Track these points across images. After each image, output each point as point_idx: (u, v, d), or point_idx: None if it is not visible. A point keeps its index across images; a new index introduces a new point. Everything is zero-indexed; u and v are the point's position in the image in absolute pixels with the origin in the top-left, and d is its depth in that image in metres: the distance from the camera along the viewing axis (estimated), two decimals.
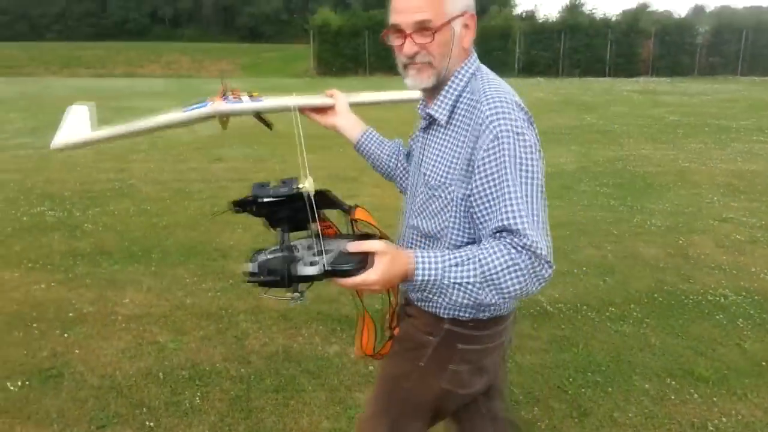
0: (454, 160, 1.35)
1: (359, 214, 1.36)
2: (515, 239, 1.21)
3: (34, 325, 3.63)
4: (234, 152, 9.03)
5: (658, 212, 5.89)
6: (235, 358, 3.28)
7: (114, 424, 2.74)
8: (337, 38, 26.97)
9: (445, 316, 1.45)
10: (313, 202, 1.23)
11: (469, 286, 1.22)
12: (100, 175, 7.50)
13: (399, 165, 1.78)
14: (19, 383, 3.04)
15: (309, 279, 1.20)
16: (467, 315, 1.44)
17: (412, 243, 1.50)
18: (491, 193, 1.26)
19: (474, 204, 1.30)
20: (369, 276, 1.19)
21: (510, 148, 1.25)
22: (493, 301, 1.25)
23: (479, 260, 1.21)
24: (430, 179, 1.41)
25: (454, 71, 1.40)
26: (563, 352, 3.35)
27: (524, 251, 1.21)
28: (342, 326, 3.58)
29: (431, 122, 1.46)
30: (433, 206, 1.41)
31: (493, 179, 1.25)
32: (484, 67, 1.44)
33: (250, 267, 1.23)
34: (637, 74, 26.57)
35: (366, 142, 1.80)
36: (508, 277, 1.21)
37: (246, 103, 1.80)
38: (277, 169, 7.86)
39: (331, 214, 1.38)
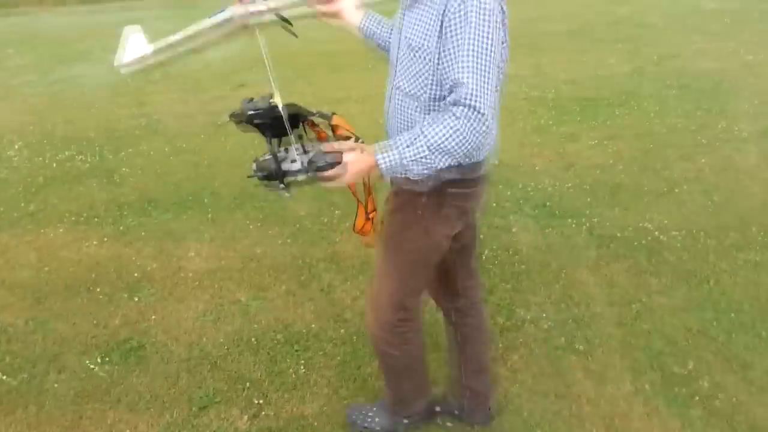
0: (431, 24, 1.50)
1: (336, 120, 1.65)
2: (458, 95, 1.40)
3: (98, 289, 3.30)
4: (256, 76, 8.38)
5: (741, 115, 5.36)
6: (328, 316, 2.95)
7: (217, 404, 2.45)
8: None
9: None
10: (285, 113, 1.46)
11: (424, 159, 1.42)
12: (122, 111, 6.97)
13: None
14: (99, 360, 2.74)
15: (294, 174, 1.48)
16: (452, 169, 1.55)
17: (397, 102, 1.67)
18: (451, 51, 1.44)
19: (441, 61, 1.48)
20: (338, 170, 1.45)
21: (471, 12, 1.41)
22: (446, 164, 1.44)
23: (425, 135, 1.41)
24: (411, 41, 1.57)
25: None
26: (693, 290, 2.98)
27: (465, 110, 1.39)
28: None
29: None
30: (414, 67, 1.59)
31: (455, 39, 1.43)
32: None
33: (253, 168, 1.51)
34: None
35: (368, 23, 1.93)
36: (451, 141, 1.40)
37: (260, 4, 1.71)
38: (306, 92, 7.29)
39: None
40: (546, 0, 14.23)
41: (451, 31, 1.45)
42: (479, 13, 1.42)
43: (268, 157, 1.52)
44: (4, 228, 4.13)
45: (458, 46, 1.43)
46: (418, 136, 1.43)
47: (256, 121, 1.53)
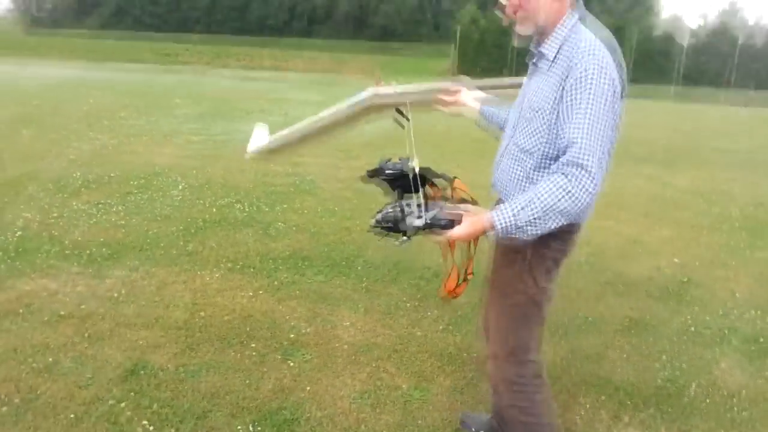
0: (553, 89, 1.68)
1: (457, 183, 1.91)
2: (570, 156, 1.55)
3: (252, 344, 3.09)
4: (404, 151, 8.39)
5: None
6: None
7: None
8: (484, 36, 26.00)
9: None
10: (418, 177, 1.69)
11: (538, 221, 1.56)
12: (276, 168, 7.13)
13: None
14: (250, 427, 2.46)
15: (414, 229, 1.65)
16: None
17: (512, 156, 1.84)
18: (568, 113, 1.60)
19: (558, 121, 1.65)
20: (456, 230, 1.62)
21: (592, 78, 1.57)
22: (559, 224, 1.57)
23: (539, 198, 1.55)
24: (533, 103, 1.75)
25: (557, 23, 1.74)
26: None
27: (576, 170, 1.53)
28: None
29: (540, 58, 1.78)
30: (532, 126, 1.75)
31: (573, 102, 1.59)
32: (582, 24, 1.74)
33: (373, 220, 1.72)
34: None
35: (487, 108, 2.15)
36: (564, 203, 1.54)
37: (397, 88, 1.95)
38: (457, 172, 7.09)
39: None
40: (709, 116, 13.54)
41: (570, 94, 1.61)
42: (599, 80, 1.58)
43: (391, 210, 1.71)
44: (162, 263, 4.13)
45: (575, 108, 1.59)
46: (533, 198, 1.57)
47: (389, 178, 1.77)
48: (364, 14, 71.99)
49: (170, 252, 4.35)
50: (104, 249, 4.33)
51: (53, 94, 14.07)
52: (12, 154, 7.27)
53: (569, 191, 1.53)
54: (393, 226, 1.70)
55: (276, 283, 3.88)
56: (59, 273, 3.92)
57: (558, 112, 1.65)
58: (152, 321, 3.32)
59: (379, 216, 1.73)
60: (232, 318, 3.39)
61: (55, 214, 5.05)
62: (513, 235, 1.59)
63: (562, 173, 1.56)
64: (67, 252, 4.26)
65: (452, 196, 1.85)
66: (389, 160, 1.79)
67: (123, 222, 4.93)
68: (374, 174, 1.81)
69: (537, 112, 1.73)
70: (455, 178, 1.90)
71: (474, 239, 1.78)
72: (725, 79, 24.75)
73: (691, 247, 4.71)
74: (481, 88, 2.25)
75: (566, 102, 1.62)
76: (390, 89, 1.99)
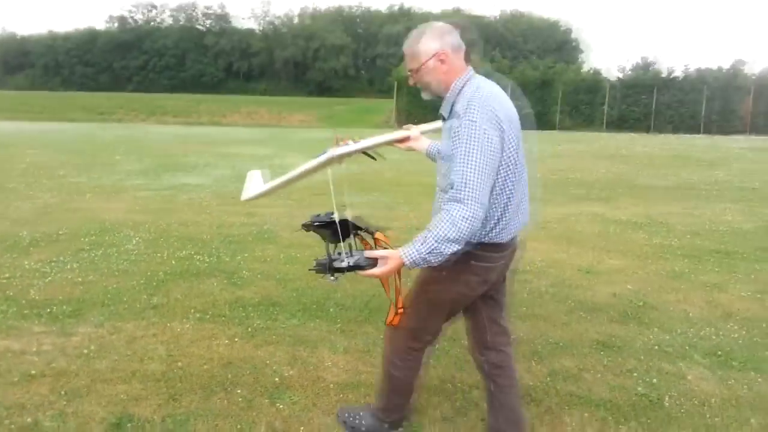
0: (449, 136, 2.07)
1: (378, 235, 2.22)
2: (451, 194, 1.98)
3: (237, 390, 3.06)
4: (357, 199, 8.54)
5: None
6: None
7: None
8: (419, 90, 26.89)
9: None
10: (338, 226, 2.13)
11: (436, 250, 1.94)
12: (232, 218, 7.12)
13: None
14: None
15: (342, 270, 2.07)
16: (472, 246, 2.13)
17: (437, 196, 2.29)
18: (453, 160, 2.00)
19: (446, 162, 2.10)
20: (375, 270, 2.03)
21: (466, 132, 1.98)
22: (455, 249, 1.96)
23: (431, 231, 1.95)
24: (441, 149, 2.26)
25: (449, 86, 2.18)
26: None
27: (455, 204, 1.95)
28: None
29: (444, 118, 2.23)
30: (443, 169, 2.17)
31: (455, 151, 2.00)
32: (477, 79, 2.17)
33: (314, 262, 2.14)
34: (734, 131, 25.23)
35: (431, 149, 2.70)
36: (450, 232, 1.93)
37: (354, 145, 2.49)
38: (411, 216, 7.28)
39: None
40: (636, 157, 14.40)
41: (453, 144, 2.02)
42: (471, 133, 1.98)
43: (324, 258, 2.13)
44: (128, 318, 4.03)
45: (455, 156, 2.00)
46: (428, 233, 1.96)
47: (318, 230, 2.21)
48: (300, 71, 73.31)
49: (134, 306, 4.25)
50: (65, 307, 4.19)
51: None
52: None
53: (451, 221, 1.93)
54: (326, 268, 2.12)
55: (250, 329, 3.86)
56: (21, 333, 3.76)
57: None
58: (129, 375, 3.23)
59: (315, 261, 2.16)
60: (212, 366, 3.34)
61: (7, 275, 4.84)
62: (422, 265, 2.01)
63: (445, 209, 1.97)
64: (25, 311, 4.10)
65: (376, 245, 2.20)
66: (318, 214, 2.25)
67: (80, 279, 4.79)
68: (307, 227, 2.26)
69: (443, 158, 2.17)
70: (377, 230, 2.27)
71: (396, 275, 2.20)
72: (646, 125, 26.50)
73: (640, 275, 5.00)
74: (423, 132, 2.81)
75: (453, 149, 2.01)
76: (347, 148, 2.48)
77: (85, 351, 3.51)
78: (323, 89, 69.28)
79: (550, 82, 26.58)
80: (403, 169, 11.81)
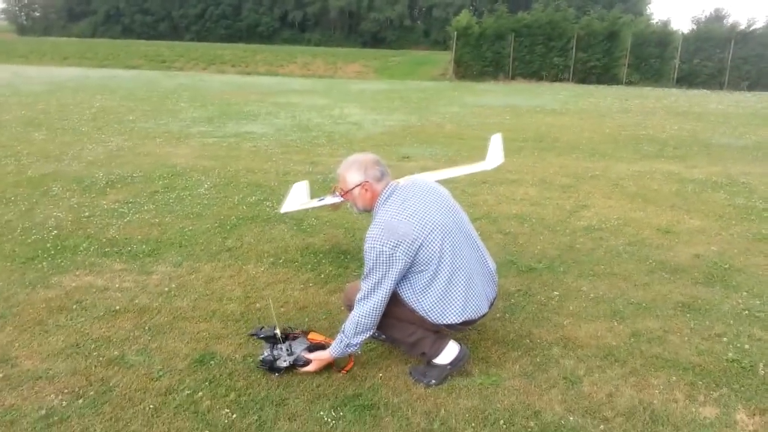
0: None
1: (311, 335, 2.85)
2: (357, 296, 2.60)
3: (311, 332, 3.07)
4: (417, 151, 8.42)
5: None
6: (582, 410, 2.51)
7: None
8: (479, 41, 26.09)
9: None
10: (280, 337, 2.76)
11: (351, 343, 2.60)
12: (296, 167, 7.14)
13: None
14: (332, 413, 2.46)
15: (282, 369, 2.69)
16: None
17: None
18: (364, 269, 2.58)
19: None
20: (309, 367, 2.67)
21: (369, 255, 2.53)
22: (363, 338, 2.61)
23: (344, 329, 2.61)
24: None
25: (373, 204, 2.71)
26: None
27: (357, 305, 2.58)
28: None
29: None
30: None
31: (365, 264, 2.56)
32: (395, 195, 2.65)
33: (259, 358, 2.76)
34: None
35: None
36: (355, 328, 2.58)
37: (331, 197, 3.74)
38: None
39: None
40: (711, 114, 13.70)
41: (365, 257, 2.55)
42: (369, 255, 2.52)
43: (268, 354, 2.72)
44: (204, 259, 4.12)
45: (364, 267, 2.56)
46: (341, 332, 2.61)
47: (262, 339, 2.78)
48: (355, 21, 72.17)
49: (210, 248, 4.33)
50: (144, 246, 4.31)
51: (56, 98, 13.99)
52: (29, 155, 7.23)
53: (353, 319, 2.56)
54: (269, 367, 2.68)
55: (322, 276, 3.88)
56: (103, 270, 3.89)
57: None
58: (209, 314, 3.31)
59: (260, 358, 2.72)
60: (288, 310, 3.39)
61: (87, 213, 5.01)
62: (347, 354, 2.67)
63: (355, 311, 2.58)
64: (106, 249, 4.24)
65: (308, 341, 2.78)
66: (262, 328, 2.84)
67: (156, 220, 4.91)
68: (252, 335, 2.84)
69: None
70: (310, 331, 2.90)
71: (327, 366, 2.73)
72: (719, 81, 24.97)
73: (723, 236, 4.75)
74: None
75: (364, 261, 2.55)
76: (339, 199, 3.24)
77: (166, 289, 3.61)
78: (377, 40, 68.05)
79: (617, 34, 25.19)
80: (463, 122, 11.58)
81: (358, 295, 2.56)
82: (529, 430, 2.38)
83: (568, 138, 9.80)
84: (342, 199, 3.35)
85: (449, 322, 2.61)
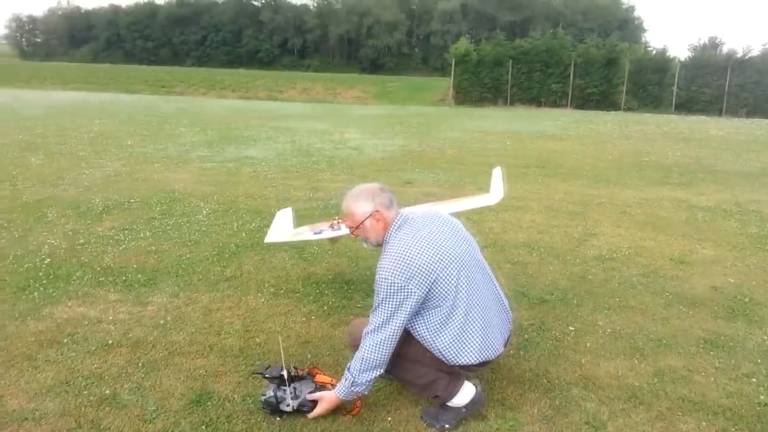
0: None
1: (317, 378, 2.61)
2: (366, 330, 2.40)
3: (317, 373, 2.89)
4: (420, 176, 8.30)
5: None
6: None
7: None
8: (478, 67, 26.24)
9: None
10: (287, 380, 2.53)
11: (357, 382, 2.39)
12: (297, 192, 7.00)
13: None
14: None
15: (287, 413, 2.50)
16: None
17: None
18: (374, 302, 2.40)
19: None
20: (317, 411, 2.48)
21: (381, 286, 2.36)
22: (371, 377, 2.39)
23: (350, 367, 2.41)
24: None
25: (384, 236, 2.54)
26: None
27: (365, 339, 2.39)
28: None
29: None
30: None
31: (374, 299, 2.39)
32: (407, 225, 2.51)
33: (261, 399, 2.54)
34: None
35: None
36: (361, 364, 2.37)
37: (343, 230, 3.51)
38: (473, 189, 6.98)
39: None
40: (712, 140, 13.67)
41: (375, 290, 2.39)
42: (380, 287, 2.36)
43: (270, 396, 2.51)
44: (202, 289, 3.95)
45: (375, 299, 2.39)
46: (347, 369, 2.42)
47: (267, 378, 2.56)
48: (353, 48, 72.94)
49: (208, 277, 4.17)
50: (139, 275, 4.14)
51: (55, 122, 13.92)
52: (24, 180, 7.09)
53: (366, 354, 2.36)
54: (274, 410, 2.50)
55: (325, 308, 3.71)
56: (96, 300, 3.72)
57: None
58: (206, 348, 3.13)
59: (262, 398, 2.53)
60: (290, 345, 3.21)
61: (82, 240, 4.85)
62: (355, 395, 2.45)
63: (361, 348, 2.39)
64: (100, 278, 4.07)
65: (315, 383, 2.57)
66: (268, 367, 2.61)
67: (153, 248, 4.75)
68: (257, 373, 2.64)
69: None
70: (314, 369, 2.67)
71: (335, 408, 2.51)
72: (717, 107, 25.07)
73: (739, 267, 4.60)
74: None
75: (375, 294, 2.39)
76: (340, 232, 3.64)
77: (162, 322, 3.44)
78: (376, 66, 68.63)
79: (615, 61, 25.36)
80: (464, 147, 11.50)
81: (367, 329, 2.38)
82: None
83: (571, 164, 9.70)
84: (341, 234, 3.31)
85: (466, 363, 2.43)
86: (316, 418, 2.51)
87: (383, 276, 2.34)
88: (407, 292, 2.32)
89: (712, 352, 3.20)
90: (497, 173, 4.40)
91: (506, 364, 3.02)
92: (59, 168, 8.07)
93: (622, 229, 5.65)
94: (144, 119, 15.54)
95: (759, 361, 3.11)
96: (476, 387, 2.55)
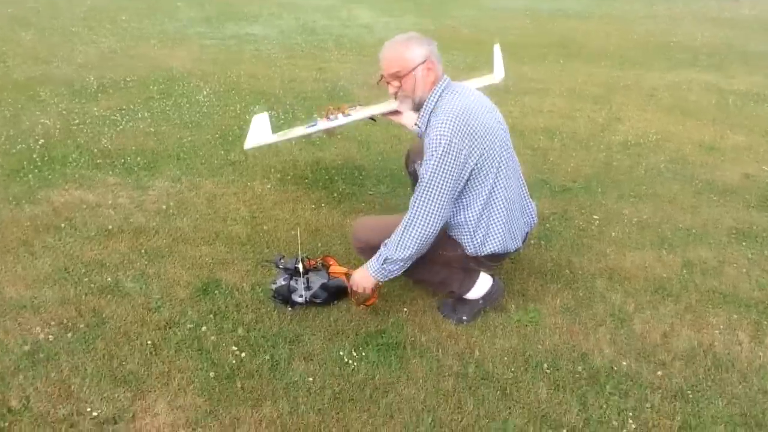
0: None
1: (333, 268, 2.46)
2: (411, 207, 2.10)
3: (330, 262, 2.75)
4: None
5: None
6: (630, 349, 2.23)
7: None
8: None
9: None
10: (302, 269, 2.37)
11: (392, 258, 2.11)
12: (303, 73, 6.59)
13: None
14: (353, 353, 2.18)
15: (299, 304, 2.37)
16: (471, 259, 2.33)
17: None
18: (422, 173, 2.09)
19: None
20: (355, 288, 2.26)
21: (437, 145, 2.03)
22: (411, 253, 2.10)
23: (386, 244, 2.13)
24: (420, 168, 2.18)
25: (427, 96, 2.16)
26: None
27: (407, 217, 2.10)
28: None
29: (420, 128, 2.26)
30: None
31: (424, 161, 2.08)
32: (450, 87, 2.18)
33: (272, 287, 2.42)
34: None
35: (416, 129, 2.35)
36: (402, 237, 2.09)
37: (339, 120, 3.16)
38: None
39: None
40: (744, 21, 12.83)
41: (426, 155, 2.10)
42: (439, 143, 2.04)
43: (283, 282, 2.39)
44: (205, 174, 3.76)
45: (425, 168, 2.09)
46: (383, 245, 2.16)
47: (282, 269, 2.41)
48: None
49: (212, 161, 3.95)
50: (139, 158, 3.93)
51: None
52: (15, 57, 6.69)
53: (407, 226, 2.10)
54: (284, 299, 2.38)
55: (335, 195, 3.52)
56: (95, 184, 3.54)
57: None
58: (212, 236, 2.99)
59: (273, 287, 2.40)
60: (300, 233, 3.04)
61: (77, 121, 4.60)
62: (388, 276, 2.18)
63: (401, 222, 2.12)
64: (98, 161, 3.86)
65: (329, 274, 2.42)
66: (282, 257, 2.45)
67: (152, 129, 4.50)
68: (272, 263, 2.51)
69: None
70: (330, 264, 2.48)
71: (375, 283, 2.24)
72: None
73: None
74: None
75: (425, 159, 2.09)
76: (336, 122, 3.13)
77: (164, 207, 3.27)
78: None
79: None
80: (480, 26, 10.79)
81: (414, 197, 2.08)
82: (577, 376, 2.10)
83: (594, 44, 9.10)
84: (337, 124, 3.11)
85: (490, 252, 2.25)
86: (329, 307, 2.39)
87: (441, 133, 2.03)
88: (465, 156, 2.05)
89: (744, 243, 3.03)
90: (497, 51, 4.00)
91: (527, 254, 2.87)
92: (52, 44, 7.60)
93: (649, 114, 5.32)
94: None
95: None
96: (493, 279, 2.41)
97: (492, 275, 2.42)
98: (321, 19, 11.07)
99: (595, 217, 3.29)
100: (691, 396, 1.99)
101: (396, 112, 2.70)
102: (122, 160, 3.87)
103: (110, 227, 3.02)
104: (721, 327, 2.37)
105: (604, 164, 4.09)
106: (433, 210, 2.05)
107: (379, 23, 10.72)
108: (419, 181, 2.10)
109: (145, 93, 5.43)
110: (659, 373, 2.11)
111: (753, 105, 5.74)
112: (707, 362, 2.17)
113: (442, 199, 2.06)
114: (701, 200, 3.53)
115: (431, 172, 2.04)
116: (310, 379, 2.04)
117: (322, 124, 3.21)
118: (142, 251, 2.81)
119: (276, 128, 3.77)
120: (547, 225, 3.19)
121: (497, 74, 3.89)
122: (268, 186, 3.60)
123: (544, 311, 2.46)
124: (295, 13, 11.82)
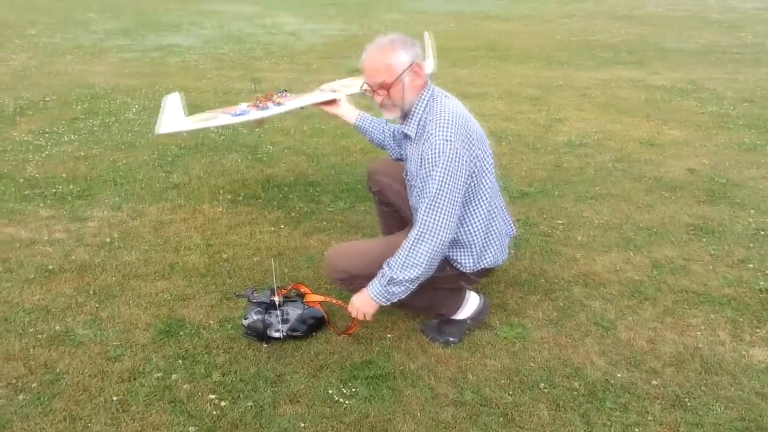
0: (419, 160, 2.00)
1: (307, 297, 2.32)
2: (417, 223, 1.94)
3: (301, 289, 2.59)
4: (357, 61, 7.72)
5: None
6: (622, 359, 2.21)
7: None
8: None
9: None
10: (278, 302, 2.21)
11: (396, 279, 1.93)
12: (236, 84, 6.35)
13: (386, 139, 2.52)
14: (342, 388, 2.04)
15: (275, 339, 2.19)
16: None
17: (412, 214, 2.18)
18: (423, 180, 1.95)
19: (417, 185, 2.01)
20: (356, 313, 2.08)
21: (440, 152, 1.91)
22: (419, 274, 1.93)
23: (389, 263, 1.96)
24: (410, 170, 2.15)
25: (415, 101, 2.04)
26: None
27: (414, 231, 1.94)
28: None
29: (406, 137, 2.14)
30: (416, 190, 2.05)
31: (426, 171, 1.94)
32: (437, 91, 2.08)
33: (244, 323, 2.21)
34: None
35: (361, 122, 2.56)
36: (408, 255, 1.92)
37: (271, 109, 2.91)
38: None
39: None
40: (652, 17, 13.53)
41: (425, 164, 1.95)
42: (443, 151, 1.92)
43: (257, 318, 2.20)
44: (148, 200, 3.50)
45: (427, 178, 1.94)
46: (386, 264, 1.97)
47: (255, 303, 2.24)
48: None
49: (153, 185, 3.70)
50: (71, 186, 3.63)
51: None
52: None
53: (414, 241, 1.93)
54: (259, 336, 2.19)
55: (293, 214, 3.36)
56: (26, 218, 3.23)
57: (418, 174, 2.01)
58: (166, 269, 2.76)
59: (245, 322, 2.21)
60: (262, 258, 2.88)
61: None
62: (390, 300, 2.01)
63: (408, 238, 1.95)
64: (26, 192, 3.53)
65: (304, 304, 2.27)
66: (254, 291, 2.29)
67: (82, 153, 4.18)
68: (242, 297, 2.33)
69: (416, 178, 2.03)
70: (305, 293, 2.35)
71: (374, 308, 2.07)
72: None
73: (709, 148, 4.51)
74: (349, 94, 2.76)
75: (424, 168, 1.95)
76: (267, 112, 2.90)
77: (107, 239, 3.01)
78: None
79: None
80: (407, 30, 10.80)
81: (423, 210, 1.93)
82: (575, 393, 2.05)
83: (520, 46, 9.30)
84: (269, 114, 2.88)
85: (487, 266, 2.21)
86: (307, 339, 2.24)
87: (443, 138, 1.92)
88: (468, 160, 1.98)
89: (703, 239, 3.10)
90: (427, 39, 3.77)
91: (500, 265, 2.81)
92: None
93: (586, 113, 5.44)
94: (46, 5, 13.72)
95: (750, 245, 3.04)
96: (480, 297, 2.34)
97: (477, 292, 2.34)
98: (245, 27, 10.76)
99: (558, 221, 3.29)
100: (689, 404, 1.98)
101: (331, 102, 2.64)
102: (53, 190, 3.55)
103: (50, 267, 2.73)
104: (702, 328, 2.39)
105: (554, 166, 4.13)
106: (445, 220, 1.92)
107: (305, 30, 10.54)
108: (424, 191, 1.94)
109: (69, 113, 5.05)
110: (654, 382, 2.09)
111: (680, 100, 6.00)
112: (696, 366, 2.17)
113: (454, 208, 1.94)
114: (654, 198, 3.60)
115: (440, 179, 1.90)
116: (302, 424, 1.88)
117: (254, 114, 2.94)
118: (91, 292, 2.55)
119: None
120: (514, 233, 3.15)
121: (428, 65, 3.65)
122: (220, 209, 3.39)
123: (528, 325, 2.40)
124: (217, 21, 11.45)
